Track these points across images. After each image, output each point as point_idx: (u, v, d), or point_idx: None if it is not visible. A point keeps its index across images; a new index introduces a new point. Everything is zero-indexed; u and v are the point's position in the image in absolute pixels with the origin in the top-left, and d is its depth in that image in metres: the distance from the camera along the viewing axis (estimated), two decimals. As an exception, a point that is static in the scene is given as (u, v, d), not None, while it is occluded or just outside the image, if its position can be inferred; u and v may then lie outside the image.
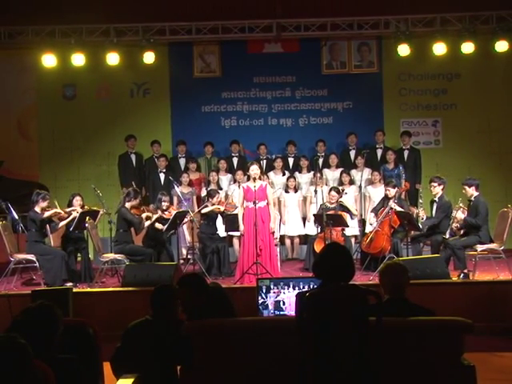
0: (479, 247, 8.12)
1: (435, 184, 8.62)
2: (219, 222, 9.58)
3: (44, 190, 9.75)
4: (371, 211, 9.46)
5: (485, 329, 6.69)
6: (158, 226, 8.97)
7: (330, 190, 9.46)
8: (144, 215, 8.85)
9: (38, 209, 8.55)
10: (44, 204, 8.59)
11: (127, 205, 8.80)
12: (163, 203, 9.12)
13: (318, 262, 3.96)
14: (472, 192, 8.28)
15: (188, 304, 4.46)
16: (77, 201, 9.04)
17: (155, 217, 8.94)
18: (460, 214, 8.31)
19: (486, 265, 8.47)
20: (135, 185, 9.91)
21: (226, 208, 9.46)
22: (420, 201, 8.91)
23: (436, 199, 8.66)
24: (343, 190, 9.63)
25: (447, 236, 8.36)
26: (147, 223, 8.85)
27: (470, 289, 7.64)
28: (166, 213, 9.04)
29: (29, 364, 2.74)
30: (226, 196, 10.25)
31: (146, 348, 4.21)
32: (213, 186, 10.09)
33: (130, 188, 9.27)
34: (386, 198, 9.17)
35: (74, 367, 3.30)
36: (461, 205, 8.37)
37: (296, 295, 3.79)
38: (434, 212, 8.69)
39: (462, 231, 8.38)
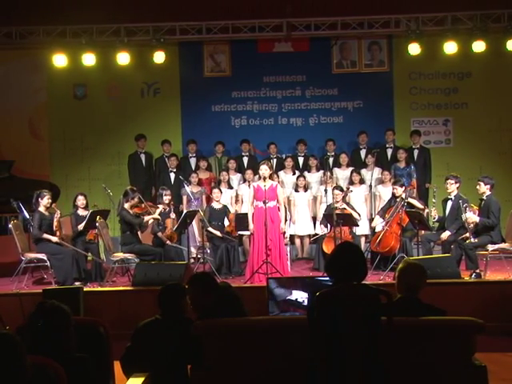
0: (490, 247, 8.08)
1: (452, 181, 8.55)
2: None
3: (55, 189, 9.81)
4: (377, 213, 9.45)
5: (496, 329, 6.63)
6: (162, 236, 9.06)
7: (333, 189, 9.42)
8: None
9: (42, 208, 8.59)
10: (45, 201, 8.60)
11: (126, 205, 8.80)
12: (165, 197, 9.17)
13: (330, 261, 3.94)
14: (485, 190, 8.22)
15: (197, 303, 4.45)
16: (79, 200, 9.07)
17: (157, 212, 8.99)
18: (472, 216, 8.21)
19: (498, 264, 8.42)
20: (144, 184, 9.95)
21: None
22: (433, 200, 8.85)
23: (452, 197, 8.59)
24: (348, 188, 9.61)
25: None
26: (148, 217, 8.89)
27: (482, 288, 7.58)
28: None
29: (21, 361, 2.72)
30: (237, 195, 10.28)
31: (156, 347, 4.21)
32: (223, 186, 10.11)
33: (127, 188, 9.26)
34: (393, 197, 9.18)
35: (86, 366, 3.30)
36: (465, 205, 8.28)
37: (307, 294, 3.78)
38: (447, 210, 8.63)
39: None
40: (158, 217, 9.00)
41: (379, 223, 9.26)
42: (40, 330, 3.24)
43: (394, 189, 9.15)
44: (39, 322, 3.27)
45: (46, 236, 8.51)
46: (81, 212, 9.10)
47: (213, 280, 4.71)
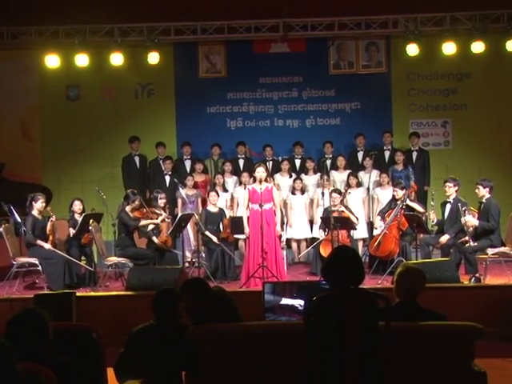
0: (490, 251, 8.02)
1: (450, 184, 8.53)
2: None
3: (47, 192, 9.67)
4: (378, 214, 9.35)
5: (496, 334, 6.59)
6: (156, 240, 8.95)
7: (331, 192, 9.31)
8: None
9: (35, 212, 8.51)
10: (39, 205, 8.51)
11: (127, 208, 8.77)
12: (160, 201, 9.08)
13: (327, 265, 3.91)
14: (484, 193, 8.19)
15: (191, 309, 4.41)
16: (75, 206, 8.95)
17: (160, 219, 8.90)
18: (471, 219, 8.11)
19: (497, 268, 8.35)
20: (139, 187, 9.87)
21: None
22: (432, 203, 8.75)
23: (450, 200, 8.54)
24: (346, 190, 9.52)
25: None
26: (145, 222, 8.79)
27: (481, 293, 7.55)
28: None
29: (13, 367, 2.68)
30: (232, 198, 10.16)
31: (150, 353, 4.16)
32: (218, 189, 9.98)
33: (128, 190, 9.17)
34: (393, 200, 9.08)
35: (72, 368, 3.26)
36: (464, 209, 8.19)
37: (304, 299, 3.76)
38: (446, 213, 8.57)
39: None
40: (157, 221, 8.90)
41: (379, 226, 9.14)
42: (17, 336, 3.19)
43: (394, 191, 9.06)
44: (16, 327, 3.24)
45: (39, 242, 8.40)
46: (78, 217, 8.94)
47: (206, 285, 4.68)
